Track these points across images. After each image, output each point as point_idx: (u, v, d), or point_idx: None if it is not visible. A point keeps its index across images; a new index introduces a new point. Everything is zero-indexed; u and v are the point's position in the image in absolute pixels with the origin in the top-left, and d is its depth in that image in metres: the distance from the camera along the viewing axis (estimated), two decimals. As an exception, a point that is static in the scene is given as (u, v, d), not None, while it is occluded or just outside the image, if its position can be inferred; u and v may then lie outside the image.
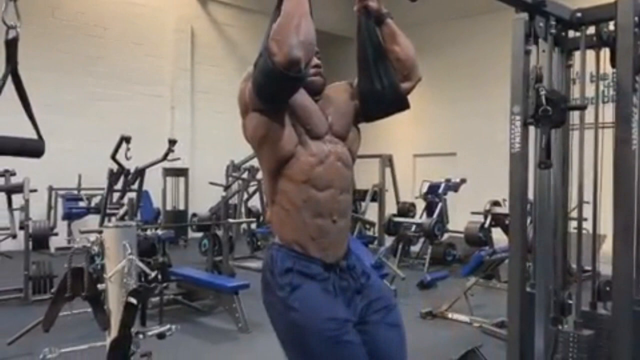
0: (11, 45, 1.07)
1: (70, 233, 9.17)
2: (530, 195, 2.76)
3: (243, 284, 4.68)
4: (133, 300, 2.89)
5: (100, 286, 3.14)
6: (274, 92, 1.57)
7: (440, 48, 11.87)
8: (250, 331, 4.41)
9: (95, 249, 3.15)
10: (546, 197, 2.72)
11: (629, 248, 2.53)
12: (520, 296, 2.67)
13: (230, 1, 12.37)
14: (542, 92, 2.27)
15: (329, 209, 1.67)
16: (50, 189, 9.29)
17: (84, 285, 3.20)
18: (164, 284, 4.50)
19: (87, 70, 10.30)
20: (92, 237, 3.21)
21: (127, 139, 6.02)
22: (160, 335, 3.21)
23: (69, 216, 9.13)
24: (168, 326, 3.28)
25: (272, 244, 1.74)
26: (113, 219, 6.21)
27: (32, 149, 1.21)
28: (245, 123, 1.69)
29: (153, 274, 3.14)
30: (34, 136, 1.29)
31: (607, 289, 2.76)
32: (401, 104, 1.85)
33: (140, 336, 3.08)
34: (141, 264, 3.11)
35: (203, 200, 10.21)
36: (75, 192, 9.59)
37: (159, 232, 4.77)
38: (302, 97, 1.67)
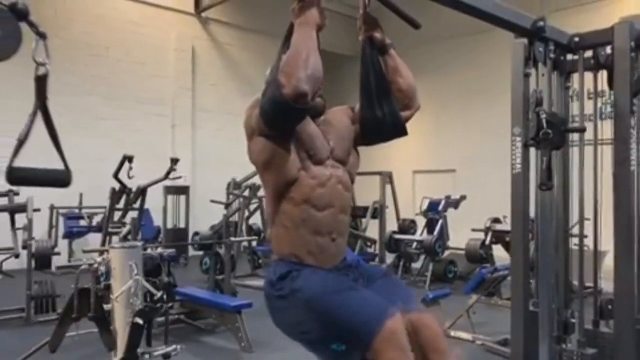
0: (41, 82, 1.12)
1: (71, 252, 9.17)
2: (532, 213, 2.80)
3: (246, 304, 4.67)
4: (139, 321, 2.92)
5: (106, 307, 3.17)
6: (280, 121, 1.64)
7: (439, 66, 12.00)
8: (254, 351, 4.40)
9: (103, 269, 3.19)
10: (548, 215, 2.76)
11: (630, 267, 2.56)
12: (524, 315, 2.70)
13: (231, 21, 12.52)
14: (543, 116, 2.33)
15: (329, 228, 1.75)
16: (52, 208, 9.31)
17: (90, 306, 3.23)
18: (170, 304, 4.50)
19: (91, 90, 10.37)
20: (99, 257, 3.25)
21: (129, 159, 6.06)
22: (166, 356, 3.23)
23: (70, 235, 9.14)
24: (174, 347, 3.30)
25: (272, 262, 1.83)
26: (115, 238, 6.22)
27: (61, 179, 1.26)
28: (250, 146, 1.77)
29: (159, 295, 3.16)
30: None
31: (610, 307, 2.78)
32: (400, 131, 1.93)
33: (147, 356, 3.10)
34: (147, 285, 3.14)
35: (204, 218, 10.23)
36: (77, 211, 9.60)
37: (163, 251, 4.77)
38: (306, 123, 1.74)
